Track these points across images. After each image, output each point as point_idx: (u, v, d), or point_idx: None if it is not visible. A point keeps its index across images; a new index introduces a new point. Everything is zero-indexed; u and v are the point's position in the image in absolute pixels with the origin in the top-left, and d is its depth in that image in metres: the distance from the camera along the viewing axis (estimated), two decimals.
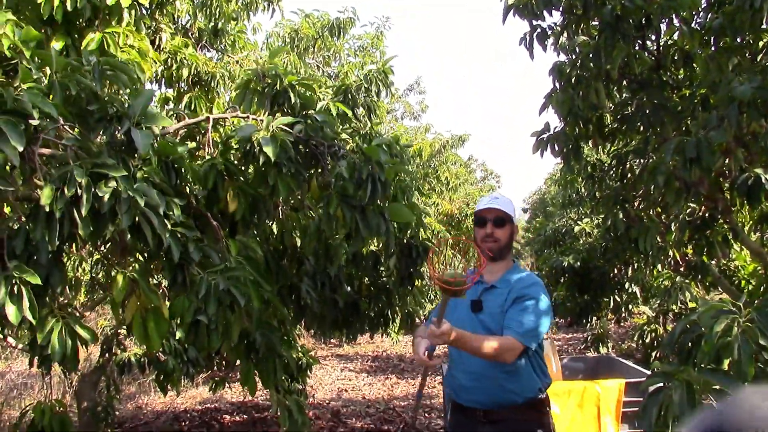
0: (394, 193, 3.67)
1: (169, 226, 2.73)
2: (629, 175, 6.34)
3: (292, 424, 3.73)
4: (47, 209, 2.46)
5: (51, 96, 2.73)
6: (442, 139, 16.12)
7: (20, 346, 6.71)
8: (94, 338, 2.82)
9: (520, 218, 31.16)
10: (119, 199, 2.54)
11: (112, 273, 3.04)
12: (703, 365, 2.16)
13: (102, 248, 3.66)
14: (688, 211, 5.68)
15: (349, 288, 4.55)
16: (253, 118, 3.54)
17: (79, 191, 2.48)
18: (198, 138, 4.08)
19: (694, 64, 4.86)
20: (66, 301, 3.64)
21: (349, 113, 4.30)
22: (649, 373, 4.59)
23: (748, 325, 2.12)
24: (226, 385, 8.65)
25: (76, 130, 2.82)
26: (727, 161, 4.16)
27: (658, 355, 7.73)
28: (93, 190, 2.52)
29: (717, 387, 2.04)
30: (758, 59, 4.57)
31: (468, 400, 2.91)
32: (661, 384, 2.20)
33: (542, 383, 2.91)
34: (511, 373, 2.81)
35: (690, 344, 2.46)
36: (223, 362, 7.45)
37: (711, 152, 3.60)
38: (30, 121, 2.53)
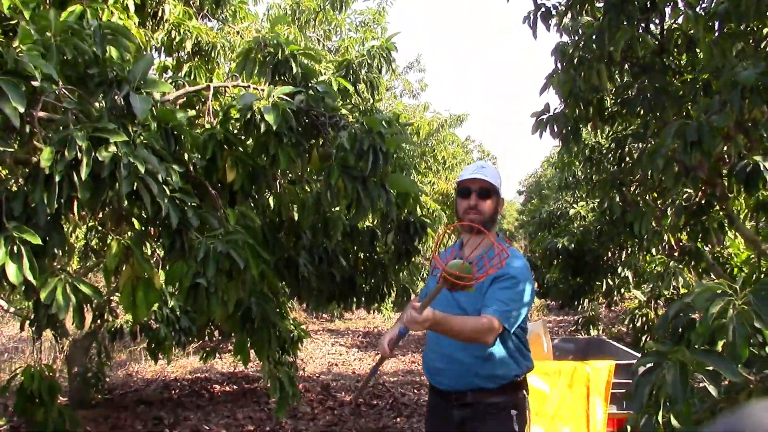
0: (392, 170, 3.65)
1: (168, 193, 2.72)
2: (627, 159, 6.34)
3: (283, 396, 3.73)
4: (47, 172, 2.44)
5: (47, 59, 2.70)
6: (440, 118, 16.08)
7: (11, 309, 6.73)
8: (98, 295, 2.80)
9: (515, 201, 31.15)
10: (119, 165, 2.52)
11: (108, 240, 3.02)
12: (696, 346, 2.16)
13: (99, 214, 3.64)
14: (684, 196, 5.68)
15: (345, 263, 4.56)
16: (253, 88, 3.51)
17: (79, 155, 2.45)
18: (198, 107, 4.05)
19: (697, 49, 4.83)
20: (60, 267, 3.63)
21: (351, 89, 4.28)
22: (638, 355, 4.62)
23: (744, 307, 2.13)
24: (217, 355, 8.69)
25: (76, 93, 2.79)
26: (726, 147, 4.16)
27: (648, 339, 7.78)
28: (93, 154, 2.49)
29: (710, 368, 2.05)
30: (762, 46, 4.55)
31: (440, 382, 2.83)
32: (653, 364, 2.21)
33: (520, 368, 2.79)
34: (483, 358, 2.71)
35: (683, 326, 2.47)
36: (215, 332, 7.47)
37: (712, 136, 3.59)
38: (32, 82, 2.51)
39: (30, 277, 2.48)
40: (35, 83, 2.53)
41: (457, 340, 2.61)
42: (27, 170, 2.65)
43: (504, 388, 2.74)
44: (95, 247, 7.16)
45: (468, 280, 2.38)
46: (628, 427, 2.25)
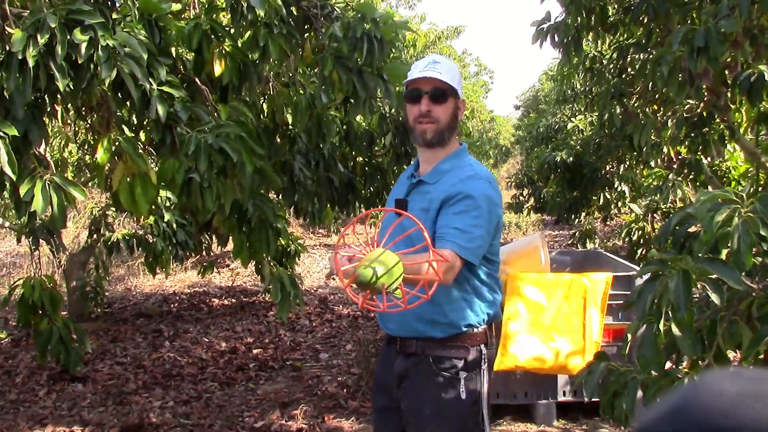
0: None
1: (155, 85, 2.61)
2: (629, 70, 6.22)
3: (284, 297, 3.69)
4: (19, 57, 2.32)
5: None
6: (436, 30, 15.73)
7: (7, 224, 6.71)
8: (84, 195, 2.73)
9: (511, 116, 30.82)
10: (98, 48, 2.39)
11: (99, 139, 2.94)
12: (700, 255, 2.13)
13: (88, 121, 3.55)
14: (686, 107, 5.60)
15: (343, 168, 4.49)
16: None
17: (53, 38, 2.33)
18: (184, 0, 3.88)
19: None
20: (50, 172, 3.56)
21: None
22: (635, 267, 4.63)
23: (750, 215, 2.08)
24: (215, 269, 8.74)
25: None
26: (732, 55, 4.05)
27: (643, 253, 7.82)
28: (69, 37, 2.36)
29: (713, 276, 2.02)
30: None
31: (386, 326, 2.41)
32: (655, 272, 2.18)
33: (476, 315, 2.27)
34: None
35: (685, 236, 2.44)
36: (212, 246, 7.49)
37: (719, 42, 3.48)
38: None
39: (8, 171, 2.39)
40: None
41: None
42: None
43: (454, 340, 2.25)
44: (87, 161, 7.09)
45: (375, 291, 1.76)
46: (629, 336, 2.23)
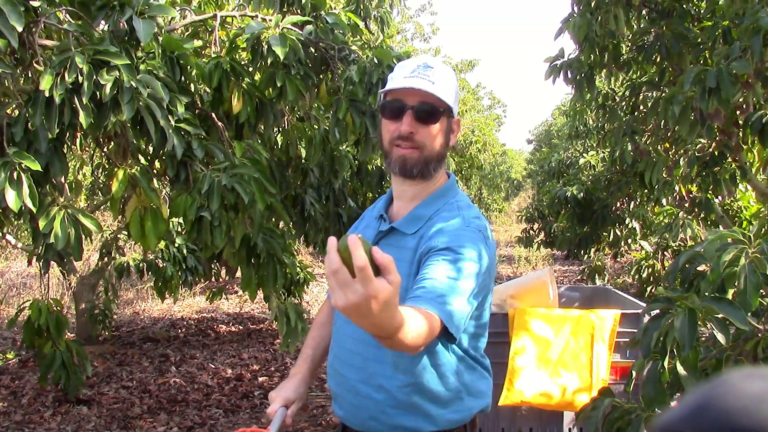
0: None
1: (172, 122, 2.67)
2: (641, 108, 6.26)
3: (289, 330, 3.72)
4: (47, 95, 2.39)
5: None
6: (450, 62, 15.85)
7: (20, 245, 6.76)
8: (98, 228, 2.78)
9: (523, 150, 30.77)
10: (122, 89, 2.46)
11: (115, 171, 2.99)
12: (707, 294, 2.13)
13: (105, 149, 3.61)
14: (698, 147, 5.62)
15: (353, 203, 4.52)
16: (262, 18, 3.43)
17: (80, 78, 2.40)
18: (204, 38, 3.97)
19: None
20: (64, 200, 3.61)
21: (360, 24, 4.19)
22: (644, 305, 4.60)
23: (757, 256, 2.09)
24: (223, 296, 8.74)
25: (77, 17, 2.73)
26: (744, 96, 4.08)
27: (653, 290, 7.78)
28: (94, 77, 2.44)
29: (719, 315, 2.02)
30: None
31: (336, 411, 1.79)
32: (662, 309, 2.18)
33: (461, 411, 1.67)
34: (410, 387, 1.62)
35: (693, 274, 2.44)
36: (222, 273, 7.51)
37: (731, 83, 3.51)
38: (30, 2, 2.45)
39: (29, 205, 2.45)
40: (35, 3, 2.47)
41: (380, 341, 1.27)
42: (30, 93, 2.59)
43: None
44: (102, 184, 7.16)
45: None
46: (633, 373, 2.23)
